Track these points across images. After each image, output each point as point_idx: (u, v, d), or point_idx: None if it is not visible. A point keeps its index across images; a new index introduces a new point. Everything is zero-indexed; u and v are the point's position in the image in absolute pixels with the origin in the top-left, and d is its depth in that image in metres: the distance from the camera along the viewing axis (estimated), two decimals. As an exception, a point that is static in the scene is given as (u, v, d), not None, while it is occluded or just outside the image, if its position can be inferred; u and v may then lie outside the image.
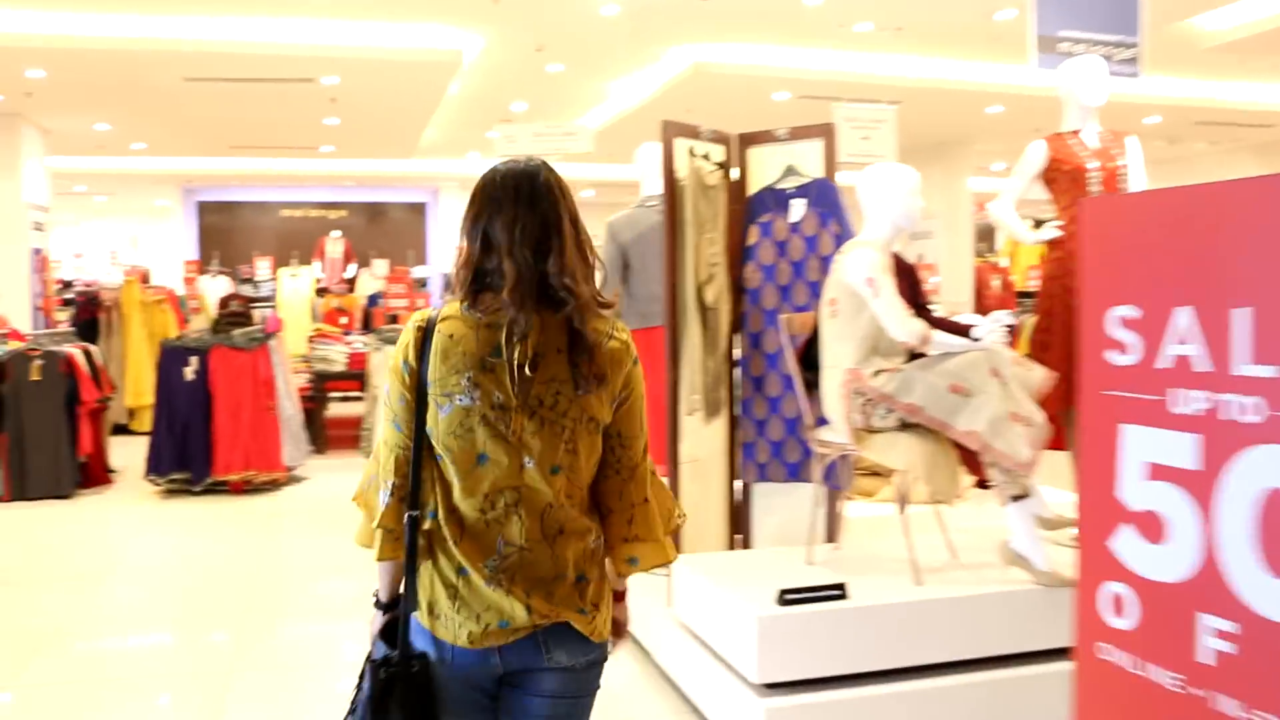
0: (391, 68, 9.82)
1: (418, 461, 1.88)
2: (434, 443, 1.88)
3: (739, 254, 4.84)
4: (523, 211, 1.85)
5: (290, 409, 8.89)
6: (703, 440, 4.75)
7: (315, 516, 7.69)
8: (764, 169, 4.87)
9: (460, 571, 1.87)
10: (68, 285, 15.39)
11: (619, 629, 2.09)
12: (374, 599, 2.03)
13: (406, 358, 1.89)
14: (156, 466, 8.31)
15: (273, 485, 8.53)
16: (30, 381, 8.26)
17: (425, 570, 1.90)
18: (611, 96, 12.34)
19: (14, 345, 8.60)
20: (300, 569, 6.43)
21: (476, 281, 1.87)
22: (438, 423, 1.85)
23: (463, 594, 1.86)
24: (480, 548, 1.86)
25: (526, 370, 1.81)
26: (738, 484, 4.91)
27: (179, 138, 13.99)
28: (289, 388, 9.02)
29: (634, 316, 5.29)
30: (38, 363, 8.29)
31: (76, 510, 7.97)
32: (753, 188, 4.89)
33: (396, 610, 1.96)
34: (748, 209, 4.88)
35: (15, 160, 11.56)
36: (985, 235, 16.16)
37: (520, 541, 1.86)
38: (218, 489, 8.33)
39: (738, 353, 4.83)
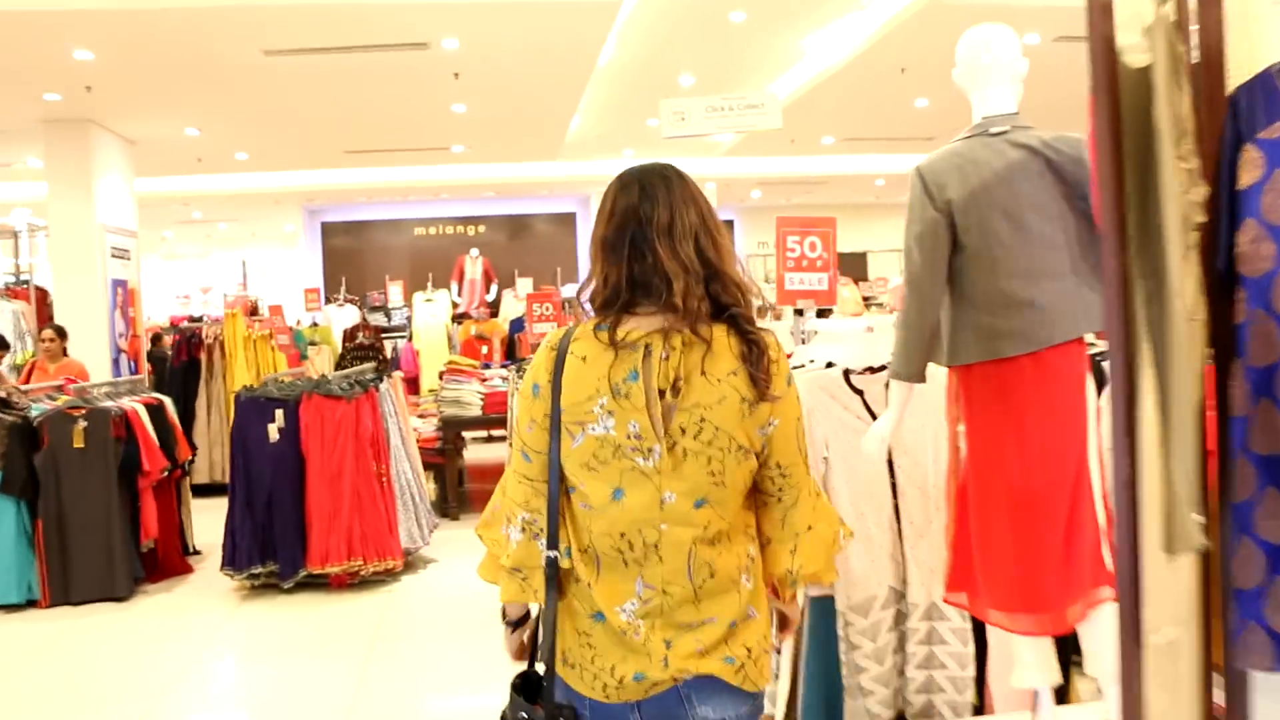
0: (527, 18, 7.56)
1: (554, 495, 1.82)
2: (567, 474, 1.81)
3: (1216, 207, 2.28)
4: (678, 206, 1.80)
5: (409, 472, 6.71)
6: (1168, 593, 2.24)
7: (441, 620, 5.72)
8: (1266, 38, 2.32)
9: (596, 616, 1.79)
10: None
11: (785, 622, 2.03)
12: (502, 615, 2.00)
13: (537, 380, 1.83)
14: (233, 558, 6.27)
15: (387, 577, 6.44)
16: (73, 450, 6.24)
17: (559, 614, 1.82)
18: (808, 56, 9.84)
19: (62, 400, 6.62)
20: (418, 703, 4.50)
21: (617, 297, 1.80)
22: (570, 453, 1.79)
23: (597, 642, 1.79)
24: (617, 591, 1.77)
25: (669, 396, 1.73)
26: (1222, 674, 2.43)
27: (284, 143, 12.10)
28: (407, 444, 6.84)
29: (968, 337, 2.86)
30: (81, 424, 6.26)
31: (127, 618, 6.05)
32: (1243, 70, 2.33)
33: (530, 657, 1.92)
34: (1233, 115, 2.32)
35: (87, 174, 9.70)
36: None
37: (661, 584, 1.76)
38: (315, 583, 6.30)
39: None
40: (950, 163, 2.87)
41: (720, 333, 1.77)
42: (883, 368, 3.37)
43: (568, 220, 19.08)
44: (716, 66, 9.91)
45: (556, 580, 1.82)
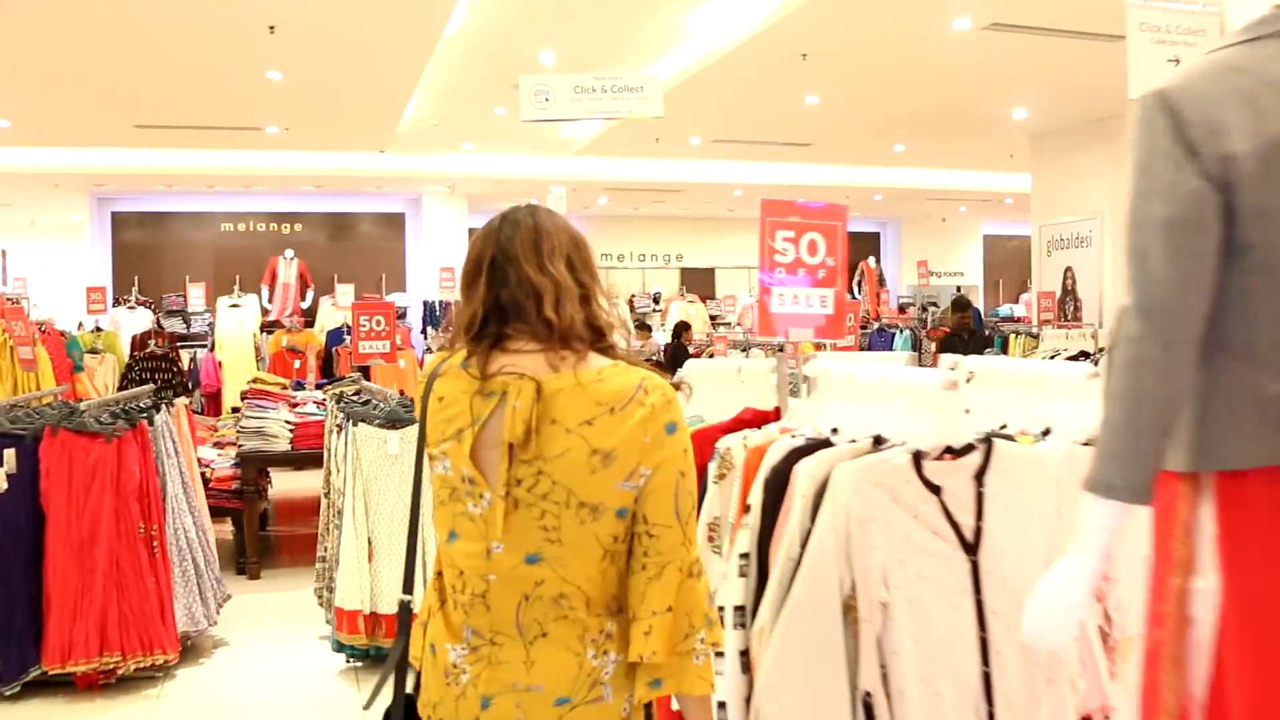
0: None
1: (411, 531, 1.81)
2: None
3: None
4: (545, 227, 1.74)
5: (192, 529, 5.13)
6: None
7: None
8: None
9: (430, 648, 1.74)
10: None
11: None
12: None
13: (420, 407, 1.79)
14: (-66, 654, 4.50)
15: (157, 673, 4.83)
16: None
17: (416, 633, 1.80)
18: (693, 36, 8.58)
19: None
20: None
21: (477, 326, 1.71)
22: (431, 485, 1.77)
23: (425, 674, 1.75)
24: (452, 627, 1.72)
25: (517, 445, 1.63)
26: None
27: (56, 110, 10.10)
28: (191, 493, 5.25)
29: (1245, 420, 1.60)
30: None
31: None
32: None
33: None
34: None
35: None
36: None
37: (489, 634, 1.68)
38: (55, 684, 4.65)
39: None
40: (1227, 84, 1.60)
41: (587, 374, 1.65)
42: (968, 449, 2.08)
43: (396, 222, 17.58)
44: (584, 44, 8.58)
45: (406, 624, 1.81)
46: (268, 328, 13.29)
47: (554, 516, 1.63)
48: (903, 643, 2.02)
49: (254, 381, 7.64)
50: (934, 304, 13.14)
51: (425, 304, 15.33)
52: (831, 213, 2.60)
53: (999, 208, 18.23)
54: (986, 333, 10.62)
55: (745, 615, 2.19)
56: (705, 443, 2.63)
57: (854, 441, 2.17)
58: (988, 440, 2.11)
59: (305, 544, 6.73)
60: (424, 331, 14.96)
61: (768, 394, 2.71)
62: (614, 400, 1.62)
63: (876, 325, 12.88)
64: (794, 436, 2.30)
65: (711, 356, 12.03)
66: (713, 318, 18.78)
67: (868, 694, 1.99)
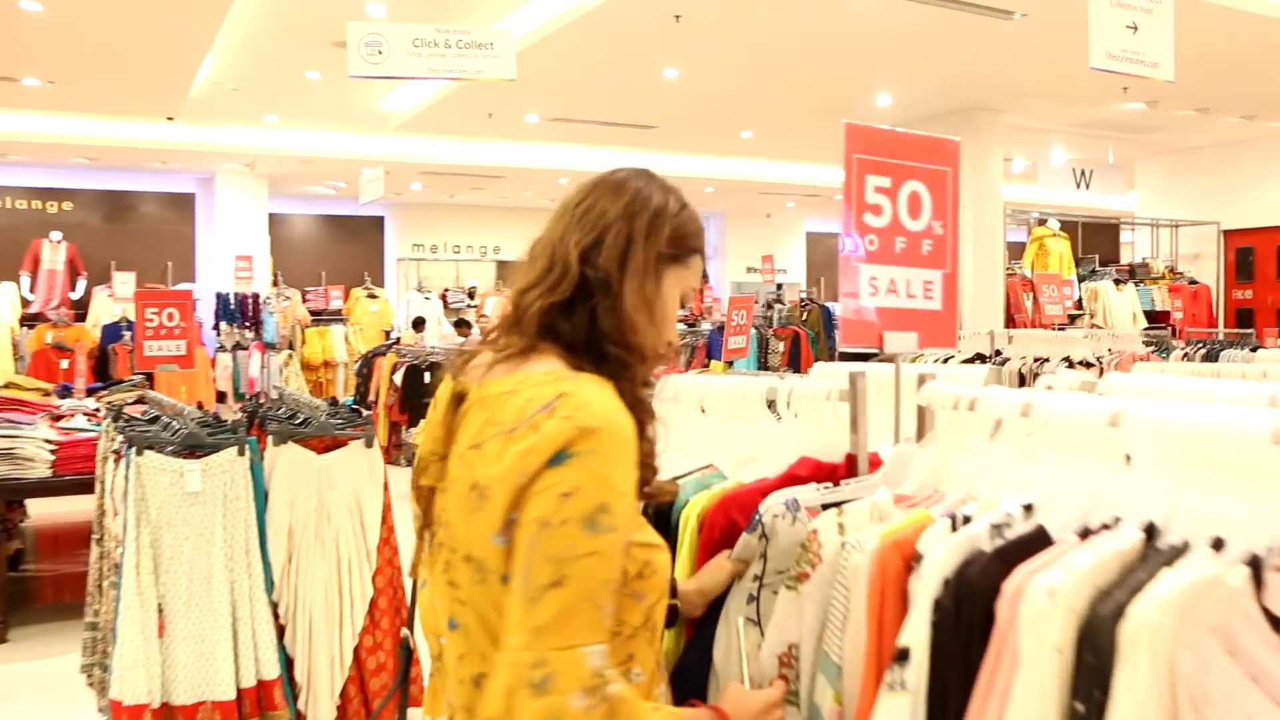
0: None
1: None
2: None
3: None
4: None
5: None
6: None
7: None
8: None
9: None
10: None
11: None
12: None
13: None
14: None
15: None
16: None
17: None
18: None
19: None
20: None
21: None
22: None
23: None
24: (436, 699, 1.43)
25: (424, 473, 1.39)
26: None
27: None
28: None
29: None
30: None
31: None
32: None
33: None
34: None
35: None
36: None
37: (451, 710, 1.35)
38: None
39: None
40: None
41: (501, 384, 1.32)
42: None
43: (185, 203, 16.09)
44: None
45: (406, 666, 1.72)
46: (28, 321, 12.48)
47: (455, 570, 1.30)
48: None
49: (7, 387, 6.21)
50: (778, 301, 12.44)
51: (219, 296, 14.03)
52: (942, 151, 1.64)
53: (825, 204, 17.91)
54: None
55: None
56: (734, 509, 1.68)
57: (1102, 530, 1.21)
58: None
59: (76, 585, 5.33)
60: (216, 328, 13.58)
61: (814, 432, 1.74)
62: (511, 419, 1.26)
63: (708, 324, 12.16)
64: (957, 518, 1.33)
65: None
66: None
67: None
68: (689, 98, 10.16)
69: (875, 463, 1.63)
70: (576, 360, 1.34)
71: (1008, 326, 9.61)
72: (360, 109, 11.13)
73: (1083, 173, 11.68)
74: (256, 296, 14.11)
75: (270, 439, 3.91)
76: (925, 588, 1.25)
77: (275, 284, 14.87)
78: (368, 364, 11.45)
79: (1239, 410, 1.23)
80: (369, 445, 4.05)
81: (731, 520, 1.66)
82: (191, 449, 3.75)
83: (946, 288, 1.66)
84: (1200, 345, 6.96)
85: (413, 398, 9.82)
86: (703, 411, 1.97)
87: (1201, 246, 13.28)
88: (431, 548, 1.37)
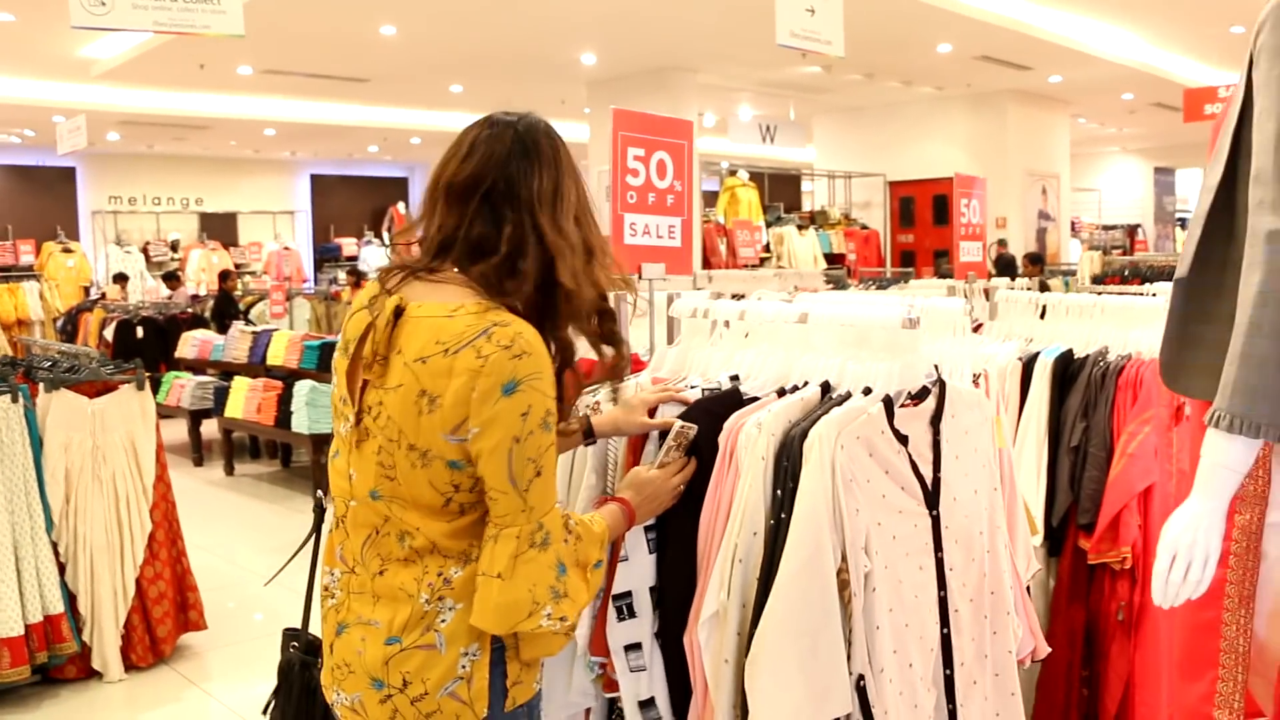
0: None
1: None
2: None
3: None
4: (565, 176, 1.63)
5: None
6: None
7: None
8: None
9: (329, 571, 1.68)
10: None
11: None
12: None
13: None
14: None
15: None
16: None
17: None
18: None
19: None
20: None
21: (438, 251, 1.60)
22: None
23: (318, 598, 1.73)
24: (329, 550, 1.69)
25: (375, 369, 1.54)
26: None
27: None
28: None
29: None
30: None
31: None
32: None
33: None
34: None
35: None
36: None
37: (351, 561, 1.62)
38: None
39: None
40: None
41: (439, 307, 1.53)
42: (924, 393, 1.83)
43: None
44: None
45: (319, 520, 1.85)
46: None
47: (389, 454, 1.54)
48: (881, 614, 1.73)
49: None
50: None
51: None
52: (679, 128, 2.20)
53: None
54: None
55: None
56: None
57: (796, 390, 1.83)
58: (940, 381, 1.86)
59: None
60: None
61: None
62: (453, 341, 1.49)
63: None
64: (692, 387, 1.92)
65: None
66: (237, 266, 17.38)
67: (860, 678, 1.68)
68: (403, 54, 10.33)
69: (637, 361, 2.21)
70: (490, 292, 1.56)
71: (705, 269, 10.52)
72: (57, 57, 10.53)
73: (768, 128, 12.59)
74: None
75: (41, 386, 4.06)
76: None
77: (-44, 240, 13.78)
78: (72, 320, 10.96)
79: (882, 308, 1.89)
80: (140, 388, 4.26)
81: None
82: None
83: (685, 231, 2.24)
84: (872, 283, 8.05)
85: (126, 353, 9.53)
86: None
87: (871, 195, 14.76)
88: (356, 429, 1.58)
